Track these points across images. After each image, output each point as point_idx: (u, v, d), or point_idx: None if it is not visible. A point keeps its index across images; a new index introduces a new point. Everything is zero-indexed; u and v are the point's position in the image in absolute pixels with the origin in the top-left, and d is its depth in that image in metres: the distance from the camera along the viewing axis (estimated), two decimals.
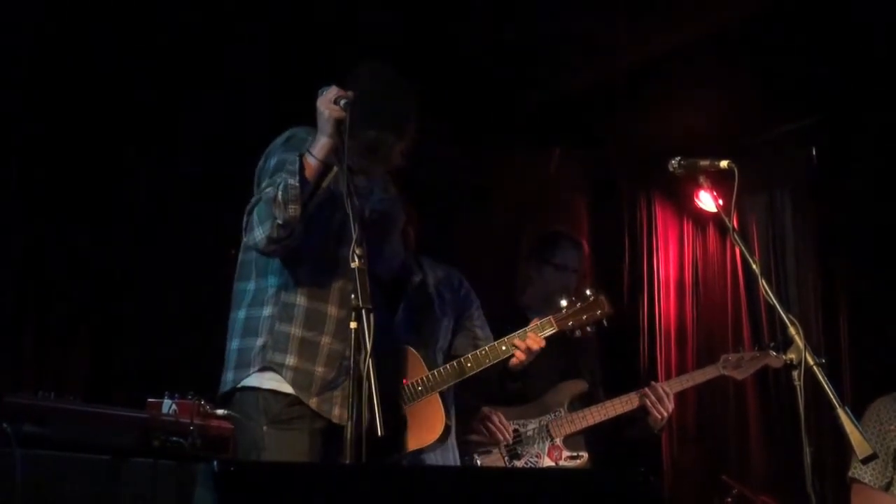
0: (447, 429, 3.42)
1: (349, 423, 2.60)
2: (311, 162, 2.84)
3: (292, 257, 2.95)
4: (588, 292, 3.59)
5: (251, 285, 3.02)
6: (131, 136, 4.31)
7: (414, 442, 3.33)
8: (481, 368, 3.45)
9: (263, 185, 2.90)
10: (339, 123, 2.81)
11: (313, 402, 2.92)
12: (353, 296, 2.58)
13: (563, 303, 3.56)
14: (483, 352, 3.48)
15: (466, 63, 4.85)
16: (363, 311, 2.55)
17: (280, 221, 2.78)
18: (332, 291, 2.97)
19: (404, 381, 3.37)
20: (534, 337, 3.49)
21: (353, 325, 2.60)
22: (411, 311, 3.57)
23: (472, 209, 5.32)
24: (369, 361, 2.52)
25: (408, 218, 3.72)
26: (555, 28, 4.73)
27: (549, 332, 3.54)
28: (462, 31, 4.69)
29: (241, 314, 3.01)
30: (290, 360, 2.92)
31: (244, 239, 2.89)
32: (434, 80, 4.83)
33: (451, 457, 3.64)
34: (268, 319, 2.95)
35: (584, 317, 3.57)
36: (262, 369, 2.92)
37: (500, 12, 4.60)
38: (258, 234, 2.82)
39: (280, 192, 2.77)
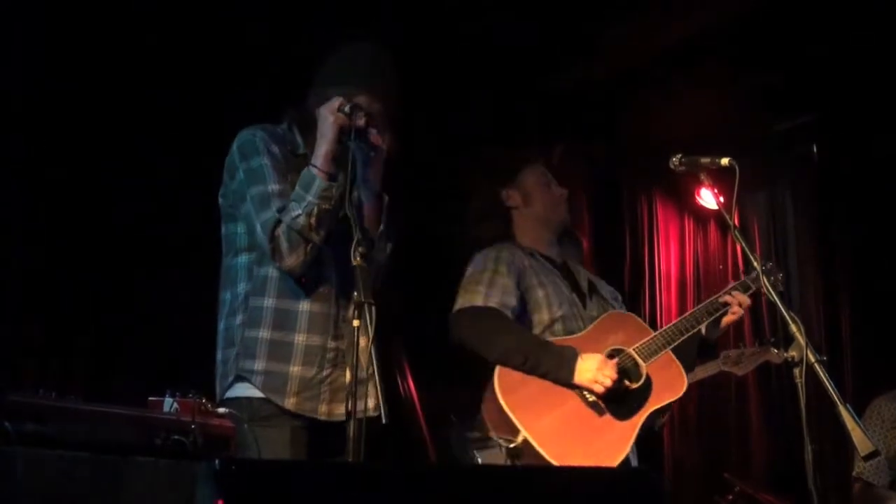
0: (687, 389, 3.37)
1: (352, 419, 2.60)
2: (321, 176, 2.86)
3: (259, 261, 2.96)
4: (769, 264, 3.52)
5: (228, 295, 3.02)
6: (141, 131, 4.30)
7: (655, 400, 3.29)
8: (700, 326, 3.39)
9: (253, 202, 2.89)
10: (342, 131, 2.85)
11: (290, 403, 2.87)
12: (355, 293, 2.60)
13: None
14: (698, 309, 3.41)
15: (468, 60, 4.85)
16: (365, 306, 2.58)
17: (315, 243, 2.85)
18: (303, 288, 2.94)
19: (637, 339, 3.33)
20: (741, 295, 3.40)
21: (355, 323, 2.60)
22: (597, 297, 3.55)
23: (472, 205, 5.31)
24: (372, 351, 2.54)
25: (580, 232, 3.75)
26: (557, 25, 4.73)
27: (750, 290, 3.43)
28: (463, 28, 4.69)
29: (221, 325, 3.02)
30: (260, 364, 2.88)
31: (275, 262, 2.87)
32: (436, 77, 4.84)
33: None
34: (239, 328, 2.94)
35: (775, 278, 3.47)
36: (236, 378, 2.92)
37: (502, 9, 4.60)
38: (292, 260, 2.84)
39: (314, 219, 2.82)
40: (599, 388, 3.19)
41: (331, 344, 2.95)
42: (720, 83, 5.12)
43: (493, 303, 3.28)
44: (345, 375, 2.94)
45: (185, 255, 4.25)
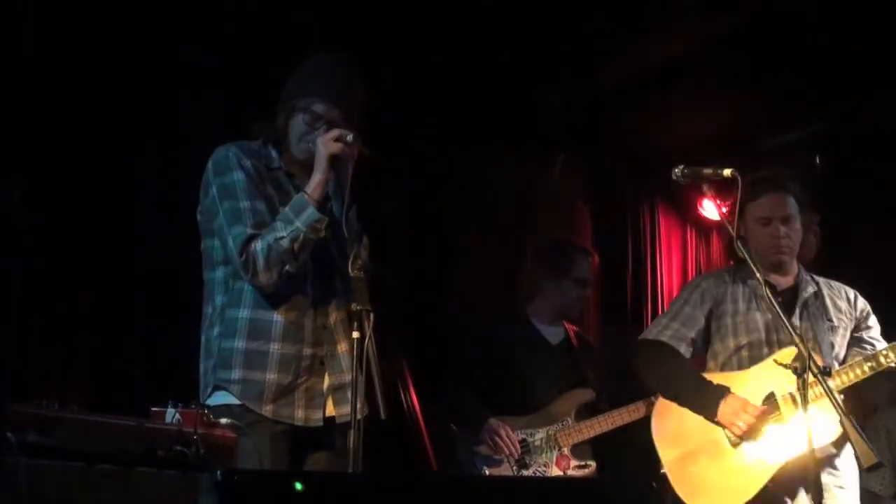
0: None
1: (351, 430, 2.64)
2: (313, 204, 2.92)
3: (235, 274, 2.99)
4: None
5: (208, 308, 3.09)
6: (140, 139, 4.29)
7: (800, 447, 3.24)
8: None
9: (225, 216, 2.96)
10: (334, 160, 2.92)
11: (267, 410, 2.93)
12: (353, 304, 2.73)
13: None
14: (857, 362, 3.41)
15: (471, 70, 4.86)
16: (363, 313, 2.69)
17: (290, 269, 2.90)
18: (279, 299, 2.99)
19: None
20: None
21: (355, 334, 2.69)
22: (806, 318, 3.56)
23: (475, 214, 5.32)
24: (370, 350, 2.66)
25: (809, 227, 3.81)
26: (558, 36, 4.74)
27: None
28: (466, 39, 4.70)
29: (202, 338, 3.09)
30: (236, 374, 2.94)
31: (246, 277, 2.92)
32: (438, 86, 4.85)
33: None
34: (216, 339, 3.01)
35: None
36: (214, 389, 2.98)
37: (504, 20, 4.61)
38: (265, 278, 2.91)
39: (298, 245, 2.88)
40: (737, 430, 3.31)
41: (306, 352, 3.00)
42: (723, 94, 5.12)
43: (665, 336, 3.52)
44: (322, 382, 3.02)
45: (191, 264, 4.24)
